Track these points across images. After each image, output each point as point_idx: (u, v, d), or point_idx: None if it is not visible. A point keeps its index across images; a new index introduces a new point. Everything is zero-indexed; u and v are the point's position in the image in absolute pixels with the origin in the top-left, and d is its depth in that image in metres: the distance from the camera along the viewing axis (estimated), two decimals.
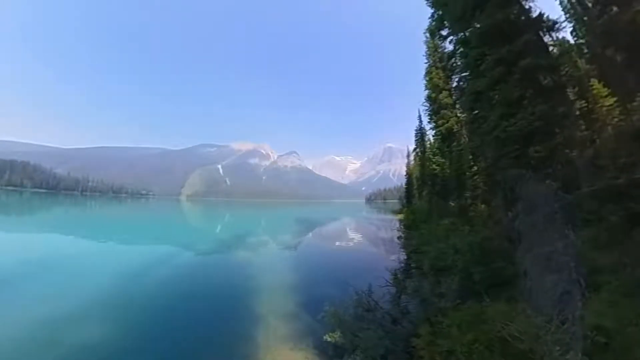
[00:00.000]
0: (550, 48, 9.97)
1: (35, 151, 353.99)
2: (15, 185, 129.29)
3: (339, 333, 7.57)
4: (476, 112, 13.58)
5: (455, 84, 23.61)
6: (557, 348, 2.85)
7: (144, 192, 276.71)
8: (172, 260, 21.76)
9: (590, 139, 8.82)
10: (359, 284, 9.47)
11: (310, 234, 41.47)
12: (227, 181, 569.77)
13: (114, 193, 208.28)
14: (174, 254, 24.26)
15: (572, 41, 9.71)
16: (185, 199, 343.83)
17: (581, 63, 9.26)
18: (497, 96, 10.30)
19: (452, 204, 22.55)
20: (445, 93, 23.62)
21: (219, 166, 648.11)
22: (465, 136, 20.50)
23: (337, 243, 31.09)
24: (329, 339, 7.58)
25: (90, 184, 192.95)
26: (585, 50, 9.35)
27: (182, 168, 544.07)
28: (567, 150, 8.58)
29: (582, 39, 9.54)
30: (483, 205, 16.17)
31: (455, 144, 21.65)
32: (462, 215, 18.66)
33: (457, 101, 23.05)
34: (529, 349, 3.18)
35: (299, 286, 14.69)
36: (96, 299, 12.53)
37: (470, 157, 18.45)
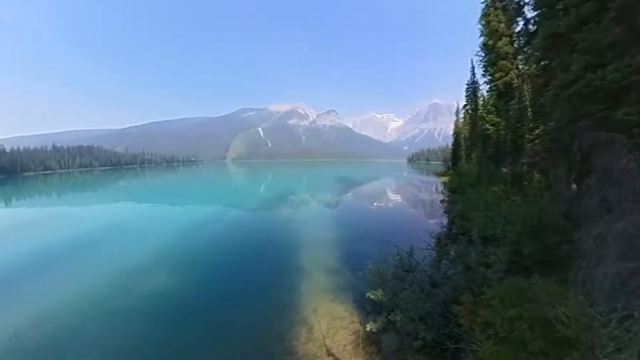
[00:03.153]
0: None
1: (96, 135, 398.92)
2: (85, 167, 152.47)
3: (380, 291, 7.91)
4: (548, 61, 11.65)
5: (519, 28, 20.13)
6: (612, 344, 2.76)
7: (193, 159, 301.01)
8: (223, 218, 24.23)
9: None
10: (398, 245, 9.66)
11: (350, 193, 42.22)
12: (268, 143, 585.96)
13: (167, 163, 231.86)
14: (224, 212, 26.89)
15: None
16: (230, 162, 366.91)
17: None
18: (583, 40, 8.47)
19: (505, 170, 20.69)
20: (505, 40, 20.14)
21: (260, 129, 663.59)
22: (527, 92, 17.97)
23: (377, 203, 31.32)
24: (371, 297, 7.96)
25: (146, 157, 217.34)
26: None
27: (225, 133, 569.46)
28: None
29: None
30: (540, 175, 14.59)
31: (514, 101, 19.10)
32: (515, 183, 17.14)
33: (521, 49, 19.82)
34: (575, 337, 3.13)
35: (339, 243, 15.51)
36: (160, 253, 14.87)
37: (532, 117, 16.32)
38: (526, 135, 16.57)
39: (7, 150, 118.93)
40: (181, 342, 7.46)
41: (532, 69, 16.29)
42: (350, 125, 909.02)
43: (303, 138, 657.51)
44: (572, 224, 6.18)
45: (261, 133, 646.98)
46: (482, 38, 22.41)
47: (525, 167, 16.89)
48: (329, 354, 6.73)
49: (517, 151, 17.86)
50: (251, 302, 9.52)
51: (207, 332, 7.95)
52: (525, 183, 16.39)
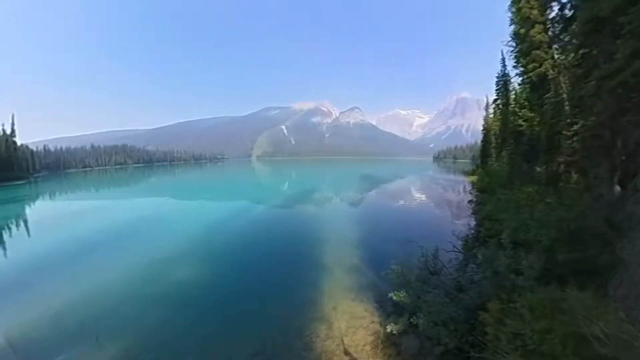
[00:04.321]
0: None
1: (129, 135, 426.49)
2: (120, 164, 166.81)
3: (404, 293, 7.76)
4: (587, 49, 10.72)
5: (554, 14, 18.55)
6: None
7: (219, 156, 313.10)
8: (248, 213, 25.03)
9: None
10: (423, 246, 9.41)
11: (374, 192, 41.77)
12: (292, 141, 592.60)
13: (195, 160, 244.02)
14: (248, 208, 27.72)
15: None
16: (255, 159, 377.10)
17: None
18: (629, 23, 7.59)
19: (539, 169, 19.34)
20: (538, 27, 18.44)
21: (283, 127, 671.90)
22: (564, 84, 16.63)
23: (402, 202, 30.76)
24: (394, 298, 7.84)
25: (175, 155, 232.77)
26: None
27: (250, 132, 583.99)
28: None
29: None
30: (578, 175, 13.45)
31: (550, 94, 17.72)
32: (550, 184, 15.95)
33: (557, 37, 18.28)
34: (613, 356, 2.85)
35: (362, 241, 15.49)
36: (187, 245, 15.73)
37: (570, 111, 15.08)
38: (563, 132, 15.30)
39: (52, 149, 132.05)
40: (204, 330, 7.85)
41: (569, 58, 15.00)
42: (374, 122, 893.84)
43: (326, 135, 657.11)
44: (614, 231, 5.62)
45: (285, 131, 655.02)
46: (512, 27, 20.90)
47: (561, 166, 15.62)
48: (347, 352, 6.74)
49: (553, 149, 16.54)
50: (272, 295, 9.80)
51: (229, 322, 8.29)
52: (561, 184, 15.15)
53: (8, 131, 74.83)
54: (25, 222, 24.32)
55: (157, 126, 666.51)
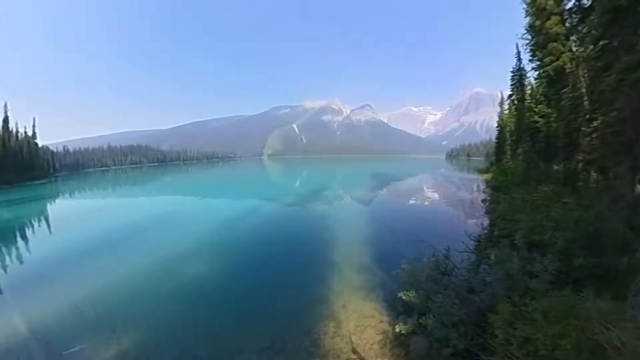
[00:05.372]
0: None
1: (144, 135, 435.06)
2: (135, 164, 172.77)
3: (413, 293, 7.65)
4: (607, 41, 10.27)
5: (571, 4, 17.75)
6: None
7: (231, 155, 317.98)
8: (259, 211, 25.35)
9: None
10: (434, 245, 9.25)
11: (385, 190, 41.48)
12: (303, 139, 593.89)
13: (208, 159, 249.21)
14: (260, 205, 28.08)
15: None
16: (266, 158, 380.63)
17: None
18: None
19: (556, 168, 18.68)
20: (554, 19, 17.67)
21: (294, 125, 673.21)
22: (583, 78, 15.96)
23: (413, 201, 30.44)
24: (403, 297, 7.74)
25: (188, 154, 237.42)
26: None
27: (261, 131, 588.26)
28: None
29: None
30: (598, 174, 12.89)
31: (568, 88, 17.02)
32: (568, 183, 15.41)
33: (574, 28, 17.50)
34: None
35: (373, 240, 15.43)
36: (199, 242, 16.02)
37: (589, 106, 14.48)
38: (582, 128, 14.68)
39: (71, 150, 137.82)
40: (215, 324, 8.03)
41: (588, 50, 14.35)
42: (385, 120, 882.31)
43: (337, 134, 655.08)
44: (635, 234, 5.36)
45: (296, 129, 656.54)
46: (527, 18, 20.05)
47: (580, 164, 15.02)
48: (355, 351, 6.73)
49: (571, 146, 15.94)
50: (282, 292, 9.92)
51: (239, 318, 8.43)
52: (580, 183, 14.59)
53: (30, 133, 78.09)
54: (47, 218, 25.43)
55: (171, 126, 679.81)
